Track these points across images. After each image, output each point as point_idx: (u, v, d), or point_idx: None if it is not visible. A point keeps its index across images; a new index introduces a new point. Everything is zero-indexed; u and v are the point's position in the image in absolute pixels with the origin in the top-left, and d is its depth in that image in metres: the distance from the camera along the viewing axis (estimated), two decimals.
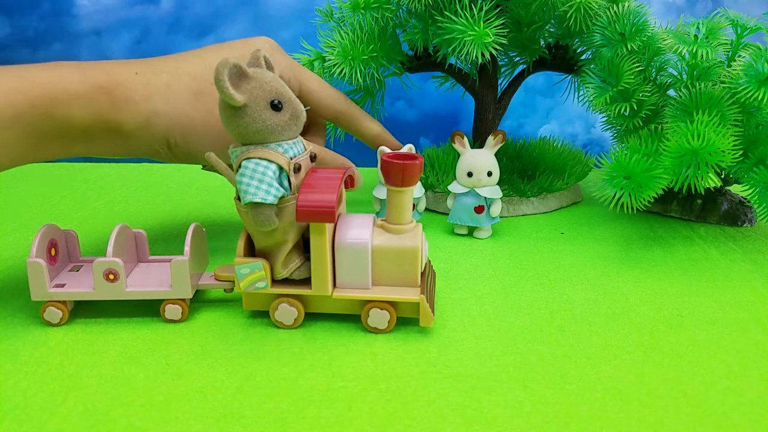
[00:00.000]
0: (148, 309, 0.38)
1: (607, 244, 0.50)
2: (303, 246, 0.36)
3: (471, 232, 0.52)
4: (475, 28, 0.48)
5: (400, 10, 0.54)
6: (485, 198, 0.50)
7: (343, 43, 0.53)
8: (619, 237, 0.52)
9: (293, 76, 0.45)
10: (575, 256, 0.48)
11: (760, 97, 0.44)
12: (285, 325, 0.37)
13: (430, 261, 0.41)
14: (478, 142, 0.58)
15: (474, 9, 0.49)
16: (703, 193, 0.52)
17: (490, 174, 0.49)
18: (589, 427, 0.28)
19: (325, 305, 0.37)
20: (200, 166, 0.47)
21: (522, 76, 0.60)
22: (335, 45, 0.53)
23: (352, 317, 0.37)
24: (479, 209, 0.50)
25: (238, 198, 0.33)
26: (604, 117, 0.55)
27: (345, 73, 0.53)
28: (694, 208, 0.55)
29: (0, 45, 0.78)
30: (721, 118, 0.45)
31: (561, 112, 0.81)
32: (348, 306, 0.37)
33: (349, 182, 0.39)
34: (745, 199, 0.55)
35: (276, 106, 0.32)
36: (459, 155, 0.50)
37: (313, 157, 0.36)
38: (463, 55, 0.49)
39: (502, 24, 0.49)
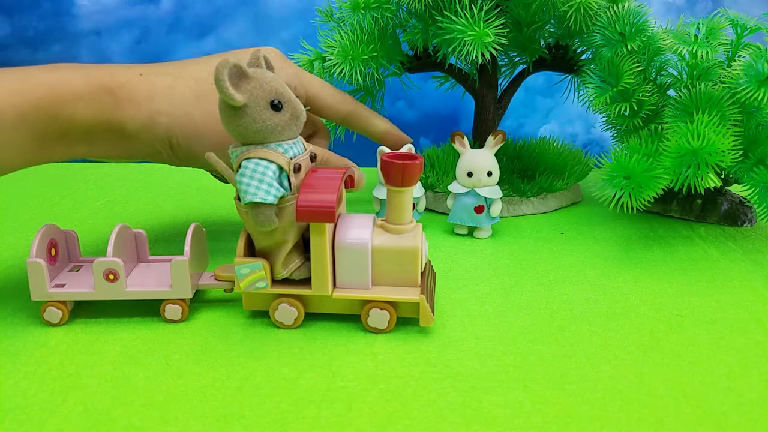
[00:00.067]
0: (148, 309, 0.38)
1: (607, 244, 0.50)
2: (303, 246, 0.36)
3: (471, 232, 0.52)
4: (475, 28, 0.48)
5: (400, 10, 0.54)
6: (485, 198, 0.50)
7: (343, 43, 0.53)
8: (619, 237, 0.52)
9: (299, 84, 0.45)
10: (575, 256, 0.48)
11: (760, 97, 0.44)
12: (285, 325, 0.37)
13: (430, 261, 0.41)
14: (478, 142, 0.58)
15: (474, 9, 0.49)
16: (703, 193, 0.52)
17: (490, 174, 0.49)
18: (589, 427, 0.28)
19: (325, 305, 0.37)
20: None
21: (522, 76, 0.60)
22: (335, 45, 0.53)
23: (352, 317, 0.37)
24: (479, 209, 0.50)
25: (238, 198, 0.33)
26: (604, 117, 0.55)
27: (345, 73, 0.53)
28: (694, 208, 0.55)
29: (0, 45, 0.78)
30: (721, 118, 0.45)
31: (561, 112, 0.80)
32: (348, 306, 0.37)
33: (349, 182, 0.39)
34: (745, 199, 0.55)
35: (276, 106, 0.32)
36: (459, 155, 0.50)
37: (313, 157, 0.36)
38: (463, 55, 0.49)
39: (502, 24, 0.49)
